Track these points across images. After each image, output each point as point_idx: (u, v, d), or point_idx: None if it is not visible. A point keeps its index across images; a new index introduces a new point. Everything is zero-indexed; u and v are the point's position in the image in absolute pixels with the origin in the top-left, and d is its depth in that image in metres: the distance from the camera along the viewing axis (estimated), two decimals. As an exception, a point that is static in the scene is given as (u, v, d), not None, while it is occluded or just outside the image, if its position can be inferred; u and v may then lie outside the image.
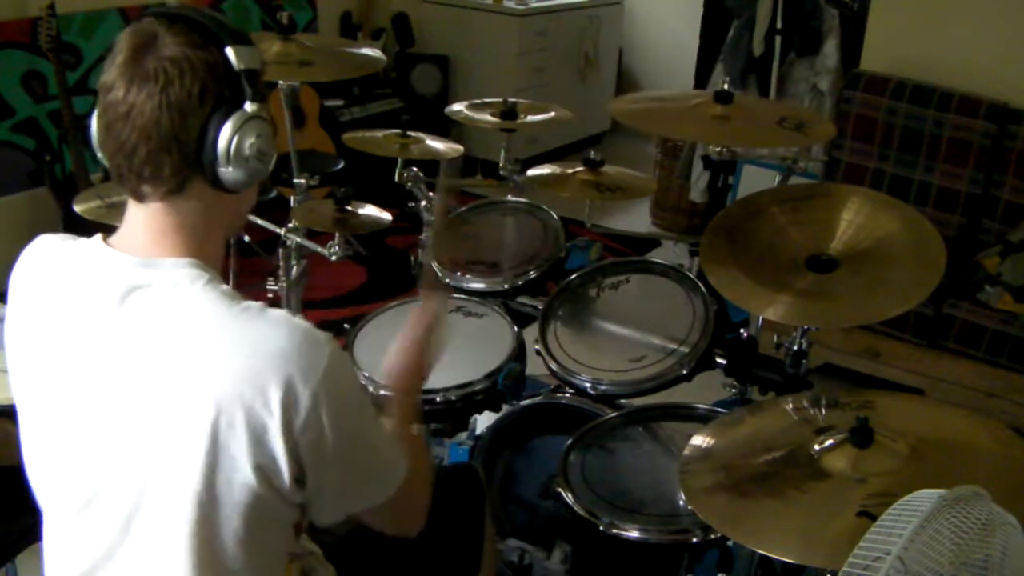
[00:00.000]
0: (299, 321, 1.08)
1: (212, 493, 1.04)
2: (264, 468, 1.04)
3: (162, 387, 1.04)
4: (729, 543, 1.74)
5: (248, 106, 1.08)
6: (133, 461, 1.07)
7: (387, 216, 2.33)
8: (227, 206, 1.14)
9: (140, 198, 1.10)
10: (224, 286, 1.10)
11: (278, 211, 2.58)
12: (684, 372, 1.83)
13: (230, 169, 1.08)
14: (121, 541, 1.10)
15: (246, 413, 1.02)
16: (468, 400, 1.92)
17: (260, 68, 1.10)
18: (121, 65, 1.05)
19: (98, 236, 1.15)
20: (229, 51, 1.06)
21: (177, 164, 1.07)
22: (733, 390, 2.02)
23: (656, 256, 2.26)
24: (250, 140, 1.08)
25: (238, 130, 1.06)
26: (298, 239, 2.35)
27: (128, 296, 1.08)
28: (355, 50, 2.52)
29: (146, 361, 1.06)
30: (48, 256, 1.18)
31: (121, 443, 1.08)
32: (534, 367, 2.03)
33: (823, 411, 1.48)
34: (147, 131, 1.04)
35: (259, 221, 2.34)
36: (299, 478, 1.09)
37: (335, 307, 3.76)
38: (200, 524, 1.05)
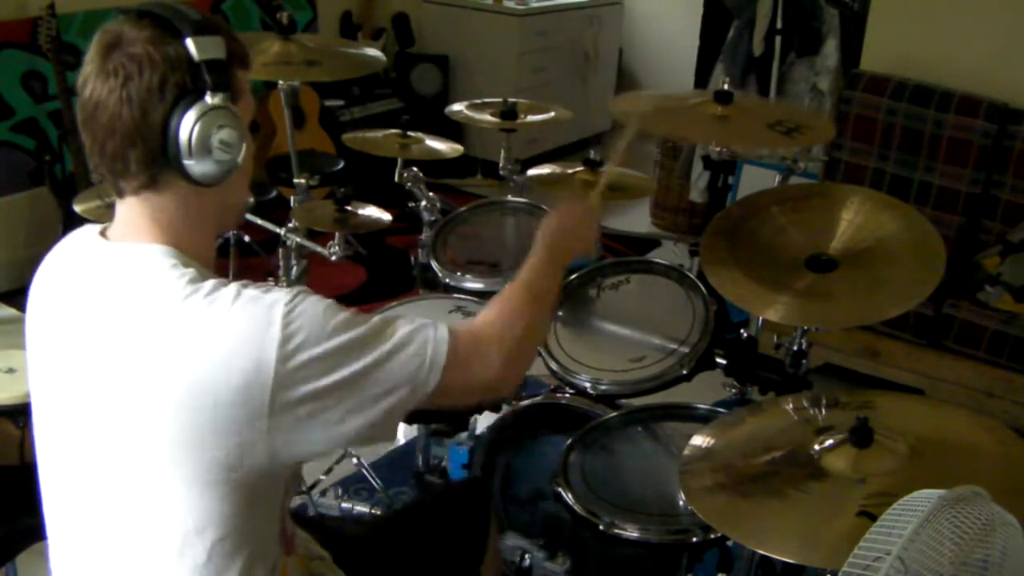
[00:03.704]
0: (249, 293, 1.07)
1: (184, 474, 1.05)
2: (236, 447, 1.04)
3: (127, 375, 1.05)
4: (729, 543, 1.74)
5: (209, 97, 1.07)
6: (104, 446, 1.08)
7: (387, 216, 2.33)
8: (208, 200, 1.14)
9: (119, 193, 1.13)
10: (190, 270, 1.08)
11: (278, 211, 2.58)
12: (684, 372, 1.83)
13: (195, 161, 1.08)
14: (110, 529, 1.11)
15: (208, 397, 1.02)
16: (468, 400, 1.92)
17: (225, 58, 1.09)
18: (90, 64, 1.08)
19: (97, 227, 1.18)
20: (189, 42, 1.06)
21: (143, 158, 1.08)
22: (733, 390, 2.02)
23: (656, 256, 2.25)
24: (213, 131, 1.08)
25: (199, 121, 1.07)
26: (298, 239, 2.35)
27: (101, 281, 1.10)
28: (355, 50, 2.51)
29: (113, 347, 1.07)
30: (61, 248, 1.21)
31: (95, 428, 1.09)
32: (534, 367, 2.02)
33: (823, 411, 1.48)
34: (112, 126, 1.06)
35: (259, 221, 2.34)
36: (287, 445, 1.08)
37: (335, 307, 3.75)
38: (171, 497, 1.06)
